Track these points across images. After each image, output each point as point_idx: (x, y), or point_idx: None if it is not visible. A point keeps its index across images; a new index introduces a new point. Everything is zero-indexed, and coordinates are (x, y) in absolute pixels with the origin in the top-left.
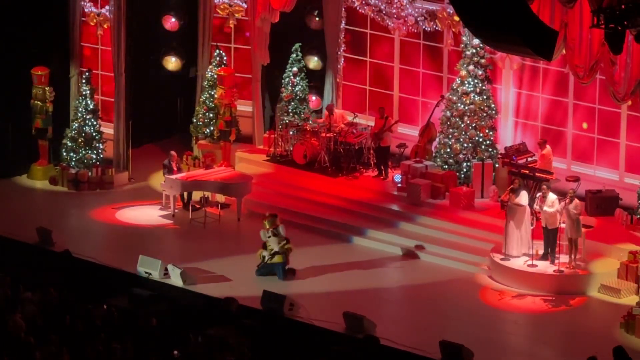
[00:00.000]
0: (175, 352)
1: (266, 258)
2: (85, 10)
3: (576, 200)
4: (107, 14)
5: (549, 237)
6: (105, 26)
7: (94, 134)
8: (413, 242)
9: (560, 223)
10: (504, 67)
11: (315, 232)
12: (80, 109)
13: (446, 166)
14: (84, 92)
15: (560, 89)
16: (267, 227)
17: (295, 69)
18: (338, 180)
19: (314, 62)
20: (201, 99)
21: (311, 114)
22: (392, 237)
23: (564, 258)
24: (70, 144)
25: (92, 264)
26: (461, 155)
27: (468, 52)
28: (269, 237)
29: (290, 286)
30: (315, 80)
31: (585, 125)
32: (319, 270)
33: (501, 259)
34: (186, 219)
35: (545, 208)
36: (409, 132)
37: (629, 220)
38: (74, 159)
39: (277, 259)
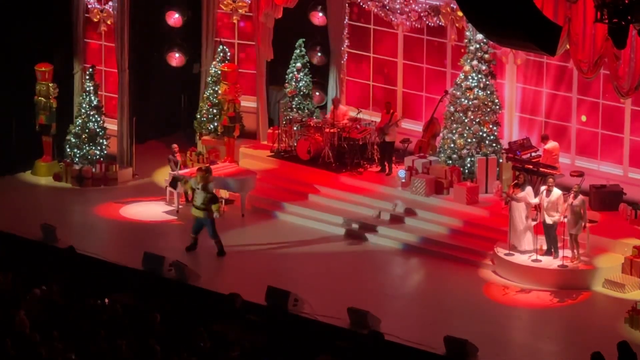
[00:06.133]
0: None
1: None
2: (89, 6)
3: (581, 196)
4: (111, 10)
5: (549, 232)
6: (108, 22)
7: (97, 130)
8: (416, 237)
9: (562, 218)
10: (508, 62)
11: (318, 227)
12: (84, 105)
13: (450, 161)
14: (87, 89)
15: (564, 84)
16: (199, 180)
17: (298, 64)
18: (342, 176)
19: (317, 57)
20: (205, 95)
21: (315, 109)
22: (397, 233)
23: (568, 253)
24: (74, 140)
25: (96, 260)
26: (465, 151)
27: (472, 47)
28: (198, 189)
29: (295, 282)
30: (319, 76)
31: (584, 118)
32: (323, 265)
33: (505, 254)
34: (190, 215)
35: (545, 202)
36: (413, 127)
37: (634, 215)
38: (77, 155)
39: (196, 212)
